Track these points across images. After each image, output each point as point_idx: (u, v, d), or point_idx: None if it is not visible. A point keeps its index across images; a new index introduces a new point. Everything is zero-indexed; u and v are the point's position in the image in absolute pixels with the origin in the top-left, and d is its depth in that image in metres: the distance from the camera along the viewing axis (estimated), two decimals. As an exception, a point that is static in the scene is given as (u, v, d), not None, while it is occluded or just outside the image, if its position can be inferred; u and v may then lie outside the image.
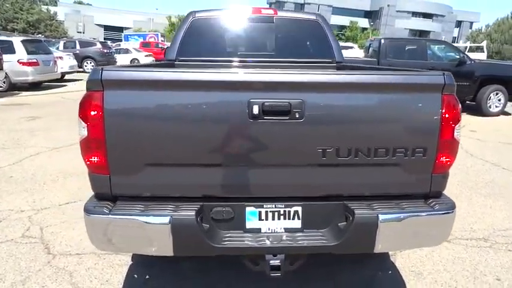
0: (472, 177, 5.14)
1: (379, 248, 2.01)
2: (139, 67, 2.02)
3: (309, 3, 76.72)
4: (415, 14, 58.59)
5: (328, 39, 3.96)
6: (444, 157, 2.02)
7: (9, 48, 12.03)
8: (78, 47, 20.43)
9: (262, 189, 2.03)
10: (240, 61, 3.85)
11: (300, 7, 77.47)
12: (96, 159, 1.94)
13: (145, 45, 31.36)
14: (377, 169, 2.02)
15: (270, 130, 1.91)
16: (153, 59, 28.95)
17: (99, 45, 21.23)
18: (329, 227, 2.08)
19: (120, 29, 57.24)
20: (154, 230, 1.90)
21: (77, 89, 12.96)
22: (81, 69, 18.39)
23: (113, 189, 1.98)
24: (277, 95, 1.89)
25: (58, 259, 2.94)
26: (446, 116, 1.96)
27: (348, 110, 1.94)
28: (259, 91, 1.89)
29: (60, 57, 15.26)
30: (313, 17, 4.01)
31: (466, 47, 28.01)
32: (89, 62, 19.98)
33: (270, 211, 2.05)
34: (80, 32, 54.67)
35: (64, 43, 21.12)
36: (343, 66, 3.84)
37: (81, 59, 19.13)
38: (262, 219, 2.06)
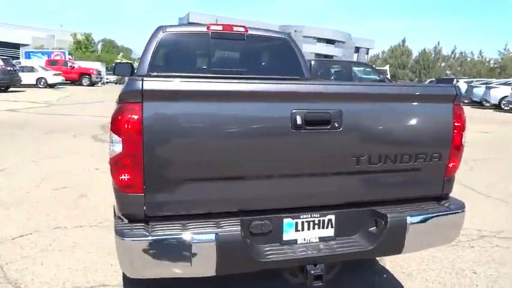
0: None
1: (406, 250, 2.13)
2: (170, 78, 1.91)
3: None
4: (319, 39, 63.11)
5: (297, 57, 4.13)
6: (454, 162, 2.23)
7: None
8: (-26, 64, 18.27)
9: (299, 199, 2.04)
10: (213, 78, 3.82)
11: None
12: (128, 176, 1.78)
13: (52, 63, 29.17)
14: (401, 174, 2.15)
15: (311, 140, 1.94)
16: (63, 78, 27.00)
17: (0, 62, 19.20)
18: (358, 233, 2.15)
19: (16, 46, 52.31)
20: (199, 249, 1.79)
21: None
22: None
23: (147, 209, 1.82)
24: (317, 106, 1.94)
25: (39, 299, 2.57)
26: (456, 124, 2.18)
27: (379, 119, 2.06)
28: (300, 101, 1.92)
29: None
30: (282, 36, 4.16)
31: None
32: (-12, 80, 17.93)
33: (306, 221, 2.06)
34: (-34, 49, 48.79)
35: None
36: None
37: (-22, 78, 17.09)
38: (299, 230, 2.05)
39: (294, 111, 1.88)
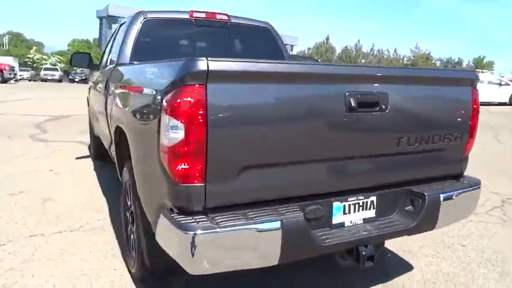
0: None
1: (438, 225, 2.24)
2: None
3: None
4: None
5: (278, 45, 4.12)
6: (471, 141, 2.39)
7: None
8: None
9: (347, 182, 2.04)
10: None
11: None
12: (189, 166, 1.64)
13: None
14: (430, 154, 2.26)
15: (361, 122, 1.96)
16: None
17: None
18: (395, 213, 2.22)
19: None
20: (266, 237, 1.72)
21: None
22: None
23: (207, 200, 1.70)
24: (367, 88, 1.95)
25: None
26: (474, 106, 2.33)
27: (416, 101, 2.14)
28: (353, 84, 1.92)
29: None
30: (263, 24, 4.12)
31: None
32: None
33: (352, 204, 2.07)
34: None
35: None
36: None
37: None
38: (346, 213, 2.06)
39: (347, 93, 1.88)
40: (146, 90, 2.02)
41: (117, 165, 3.07)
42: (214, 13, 3.87)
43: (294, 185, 1.89)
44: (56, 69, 43.52)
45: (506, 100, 20.68)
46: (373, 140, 2.03)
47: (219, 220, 1.68)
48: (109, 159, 5.70)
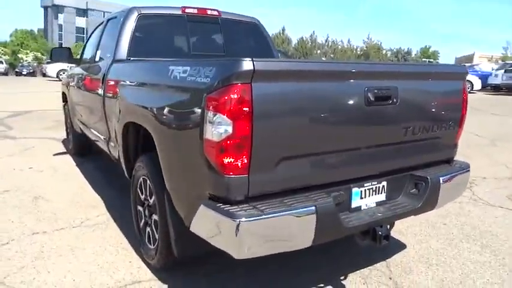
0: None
1: (438, 205, 2.51)
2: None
3: (93, 10, 72.61)
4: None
5: (267, 40, 4.27)
6: (461, 128, 2.68)
7: None
8: None
9: (363, 169, 2.25)
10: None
11: (82, 13, 72.40)
12: (235, 159, 1.78)
13: None
14: (430, 142, 2.52)
15: (376, 115, 2.17)
16: None
17: None
18: (401, 195, 2.46)
19: None
20: (304, 221, 1.89)
21: None
22: None
23: (250, 190, 1.84)
24: (381, 83, 2.16)
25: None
26: (464, 97, 2.62)
27: (420, 93, 2.39)
28: (369, 80, 2.12)
29: None
30: (252, 20, 4.24)
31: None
32: None
33: (368, 189, 2.29)
34: None
35: None
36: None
37: None
38: (363, 198, 2.27)
39: (366, 88, 2.07)
40: (180, 88, 2.11)
41: (123, 161, 3.10)
42: (205, 9, 3.94)
43: (321, 173, 2.08)
44: (1, 62, 40.91)
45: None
46: (385, 130, 2.26)
47: (262, 208, 1.83)
48: (92, 154, 5.66)
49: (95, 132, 4.03)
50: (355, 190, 2.23)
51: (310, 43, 52.08)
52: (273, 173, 1.90)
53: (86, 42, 5.01)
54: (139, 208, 2.86)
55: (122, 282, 2.56)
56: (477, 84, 21.06)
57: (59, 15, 71.14)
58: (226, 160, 1.77)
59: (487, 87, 22.06)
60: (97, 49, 4.13)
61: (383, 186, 2.35)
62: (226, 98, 1.72)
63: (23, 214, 3.63)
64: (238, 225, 1.74)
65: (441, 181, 2.44)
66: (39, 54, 51.06)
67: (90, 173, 5.01)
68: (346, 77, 2.04)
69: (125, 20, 3.55)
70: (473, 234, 3.44)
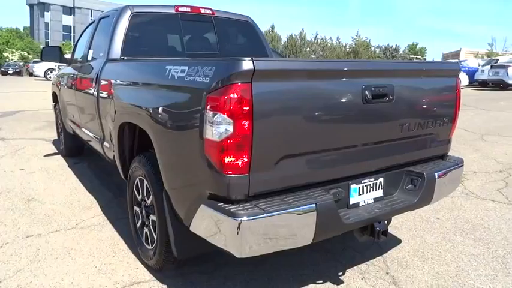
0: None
1: (433, 200, 2.55)
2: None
3: (80, 8, 71.76)
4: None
5: (260, 39, 4.28)
6: (454, 124, 2.72)
7: None
8: None
9: (361, 166, 2.27)
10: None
11: (69, 11, 71.49)
12: (235, 158, 1.78)
13: None
14: (425, 138, 2.55)
15: (373, 112, 2.19)
16: None
17: None
18: (398, 191, 2.49)
19: None
20: (304, 219, 1.90)
21: None
22: None
23: (251, 189, 1.85)
24: (377, 81, 2.18)
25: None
26: (457, 93, 2.66)
27: (415, 90, 2.42)
28: (366, 78, 2.14)
29: None
30: (244, 18, 4.24)
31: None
32: None
33: (365, 185, 2.31)
34: None
35: None
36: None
37: None
38: (360, 194, 2.30)
39: (363, 86, 2.09)
40: (178, 88, 2.10)
41: (118, 162, 3.08)
42: (198, 7, 3.93)
43: (320, 171, 2.09)
44: (-14, 61, 40.19)
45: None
46: (382, 127, 2.28)
47: (263, 206, 1.84)
48: (83, 155, 5.61)
49: (88, 133, 3.99)
50: (353, 187, 2.25)
51: (299, 41, 52.10)
52: (273, 171, 1.91)
53: (77, 42, 4.95)
54: (136, 209, 2.85)
55: (120, 284, 2.55)
56: (465, 80, 21.32)
57: (45, 13, 70.17)
58: (227, 159, 1.77)
59: (474, 82, 22.37)
60: (89, 48, 4.08)
61: (380, 182, 2.38)
62: (226, 97, 1.72)
63: (16, 217, 3.59)
64: (239, 224, 1.75)
65: (436, 176, 2.48)
66: (25, 53, 50.34)
67: (82, 173, 4.97)
68: (344, 75, 2.06)
69: (118, 19, 3.52)
70: (466, 228, 3.49)
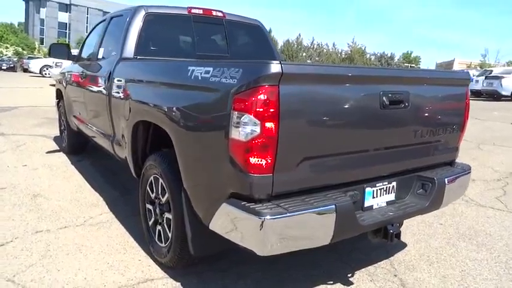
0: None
1: (442, 205, 2.62)
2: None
3: (76, 5, 71.40)
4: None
5: (269, 42, 4.34)
6: (463, 132, 2.80)
7: None
8: None
9: (376, 170, 2.34)
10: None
11: (65, 8, 71.09)
12: (261, 158, 1.83)
13: None
14: (436, 144, 2.62)
15: (390, 118, 2.26)
16: None
17: None
18: (409, 195, 2.55)
19: None
20: (324, 219, 1.95)
21: None
22: None
23: (274, 189, 1.90)
24: (394, 88, 2.25)
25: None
26: (467, 101, 2.74)
27: (429, 98, 2.50)
28: (383, 84, 2.21)
29: None
30: (255, 22, 4.30)
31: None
32: None
33: (379, 189, 2.37)
34: None
35: None
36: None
37: None
38: (375, 197, 2.36)
39: (381, 92, 2.16)
40: (202, 88, 2.14)
41: (130, 160, 3.11)
42: (210, 10, 3.98)
43: (339, 173, 2.15)
44: (-20, 56, 39.82)
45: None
46: (397, 132, 2.35)
47: (286, 206, 1.89)
48: (86, 152, 5.62)
49: (96, 131, 4.01)
50: (368, 190, 2.31)
51: (296, 45, 52.35)
52: (295, 172, 1.96)
53: (85, 40, 4.97)
54: (149, 206, 2.88)
55: (134, 280, 2.58)
56: (458, 89, 21.53)
57: (41, 9, 69.65)
58: (252, 159, 1.82)
59: (468, 92, 22.64)
60: (99, 47, 4.11)
61: (393, 186, 2.44)
62: (254, 99, 1.77)
63: (23, 212, 3.60)
64: (263, 223, 1.80)
65: (446, 182, 2.55)
66: (19, 49, 49.92)
67: (86, 170, 4.98)
68: (364, 81, 2.12)
69: (132, 18, 3.56)
70: (468, 234, 3.57)
